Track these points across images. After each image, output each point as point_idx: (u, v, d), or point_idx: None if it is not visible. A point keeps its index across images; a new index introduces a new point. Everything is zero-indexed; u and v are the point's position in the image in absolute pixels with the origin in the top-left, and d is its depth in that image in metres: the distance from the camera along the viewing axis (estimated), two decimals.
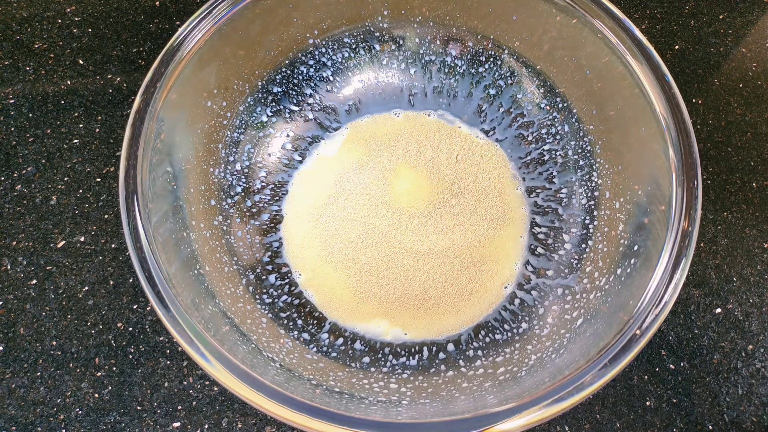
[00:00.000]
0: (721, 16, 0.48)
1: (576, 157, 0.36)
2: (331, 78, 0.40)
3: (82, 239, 0.38)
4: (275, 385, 0.26)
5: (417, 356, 0.34)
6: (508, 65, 0.39)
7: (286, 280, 0.36)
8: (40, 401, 0.34)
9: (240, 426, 0.33)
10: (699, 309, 0.37)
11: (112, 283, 0.37)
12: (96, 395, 0.34)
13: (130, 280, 0.37)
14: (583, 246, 0.34)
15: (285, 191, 0.39)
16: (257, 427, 0.33)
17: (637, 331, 0.27)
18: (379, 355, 0.34)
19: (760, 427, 0.34)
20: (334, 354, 0.34)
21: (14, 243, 0.38)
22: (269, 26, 0.35)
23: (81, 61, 0.44)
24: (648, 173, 0.32)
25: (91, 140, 0.41)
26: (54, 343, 0.35)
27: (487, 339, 0.35)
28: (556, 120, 0.37)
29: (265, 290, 0.35)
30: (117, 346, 0.35)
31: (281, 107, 0.39)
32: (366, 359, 0.34)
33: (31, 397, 0.34)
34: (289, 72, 0.38)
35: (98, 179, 0.40)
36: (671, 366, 0.36)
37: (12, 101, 0.42)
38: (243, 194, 0.37)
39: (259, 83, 0.37)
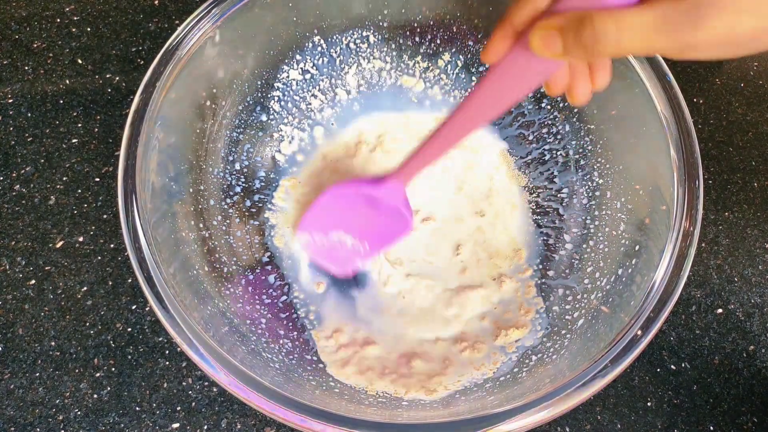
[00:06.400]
0: None
1: (577, 156, 0.36)
2: (330, 77, 0.40)
3: (81, 239, 0.38)
4: (275, 386, 0.26)
5: None
6: None
7: (286, 281, 0.36)
8: (38, 402, 0.33)
9: (239, 427, 0.33)
10: (700, 309, 0.37)
11: (110, 283, 0.36)
12: (95, 396, 0.34)
13: (129, 281, 0.36)
14: (584, 246, 0.34)
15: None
16: (257, 428, 0.33)
17: (638, 332, 0.26)
18: None
19: (761, 429, 0.34)
20: None
21: (13, 243, 0.37)
22: (269, 26, 0.35)
23: (80, 61, 0.43)
24: (649, 173, 0.32)
25: (89, 140, 0.41)
26: (53, 343, 0.35)
27: None
28: (557, 119, 0.37)
29: (264, 290, 0.35)
30: (116, 347, 0.35)
31: (281, 107, 0.39)
32: None
33: (29, 398, 0.34)
34: (289, 72, 0.38)
35: (97, 179, 0.40)
36: (672, 367, 0.35)
37: (11, 101, 0.42)
38: (242, 194, 0.37)
39: (259, 83, 0.37)
